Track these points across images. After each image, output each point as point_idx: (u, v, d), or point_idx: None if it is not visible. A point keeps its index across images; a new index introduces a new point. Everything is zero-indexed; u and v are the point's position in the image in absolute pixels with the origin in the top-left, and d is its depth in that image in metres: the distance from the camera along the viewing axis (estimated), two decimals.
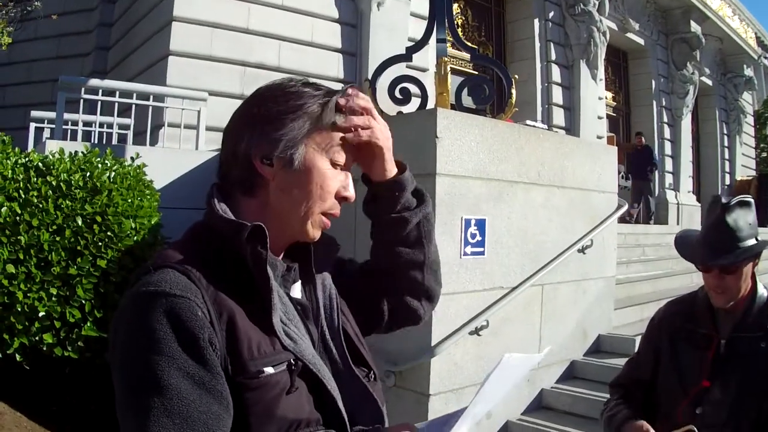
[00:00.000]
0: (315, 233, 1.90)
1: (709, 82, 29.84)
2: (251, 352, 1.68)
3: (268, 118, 1.81)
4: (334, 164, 1.84)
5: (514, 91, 8.52)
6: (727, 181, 31.82)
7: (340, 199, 1.88)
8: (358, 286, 2.15)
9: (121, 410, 1.64)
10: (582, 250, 8.53)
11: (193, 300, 1.62)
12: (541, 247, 7.88)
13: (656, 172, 23.05)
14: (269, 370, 1.70)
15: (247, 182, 1.84)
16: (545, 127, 15.13)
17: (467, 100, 8.52)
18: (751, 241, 3.10)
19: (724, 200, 3.20)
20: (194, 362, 1.60)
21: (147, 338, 1.59)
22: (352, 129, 1.88)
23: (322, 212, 1.86)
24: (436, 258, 2.28)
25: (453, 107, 8.12)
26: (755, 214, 3.22)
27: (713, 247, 3.12)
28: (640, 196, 21.62)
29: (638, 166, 21.65)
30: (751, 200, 3.25)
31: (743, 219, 3.13)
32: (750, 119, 35.94)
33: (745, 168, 34.72)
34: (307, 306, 1.94)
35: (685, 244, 3.38)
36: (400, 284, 2.18)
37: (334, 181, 1.85)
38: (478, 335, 7.06)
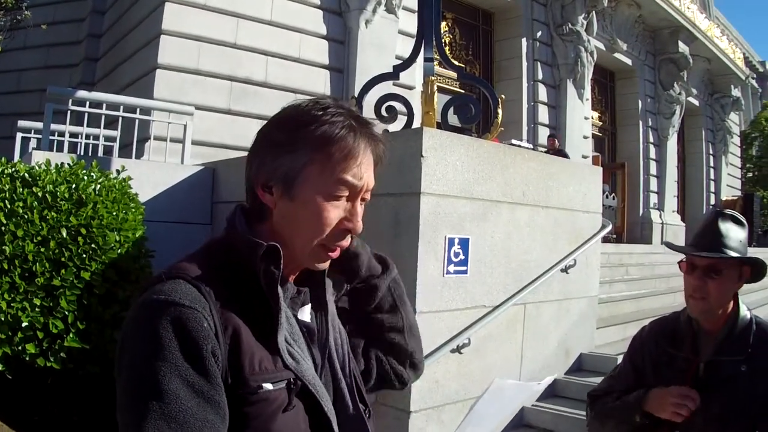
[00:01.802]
0: (316, 263, 1.91)
1: (696, 103, 30.03)
2: (252, 367, 1.72)
3: (271, 146, 1.84)
4: (334, 196, 1.83)
5: (500, 111, 8.57)
6: (713, 201, 32.03)
7: (343, 230, 1.87)
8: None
9: (121, 411, 1.68)
10: (565, 270, 8.56)
11: (201, 312, 1.67)
12: (525, 266, 7.89)
13: None
14: (268, 386, 1.73)
15: (257, 208, 1.88)
16: (531, 146, 15.21)
17: (453, 119, 8.54)
18: (737, 254, 3.10)
19: (720, 209, 3.26)
20: (195, 371, 1.64)
21: (152, 344, 1.64)
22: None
23: (321, 244, 1.86)
24: (414, 321, 2.31)
25: (439, 126, 8.14)
26: (747, 236, 3.23)
27: (701, 244, 3.14)
28: None
29: None
30: (745, 222, 3.26)
31: (735, 232, 3.14)
32: (736, 139, 36.23)
33: (731, 188, 34.97)
34: (313, 329, 1.97)
35: (676, 243, 3.42)
36: (383, 350, 2.22)
37: (333, 213, 1.84)
38: (460, 353, 7.06)
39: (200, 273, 1.77)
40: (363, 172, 1.86)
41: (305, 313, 1.98)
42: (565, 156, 18.46)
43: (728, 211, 3.24)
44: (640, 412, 3.20)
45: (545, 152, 18.81)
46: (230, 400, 1.70)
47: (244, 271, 1.80)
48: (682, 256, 3.30)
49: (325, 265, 1.94)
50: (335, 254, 1.92)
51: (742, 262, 3.13)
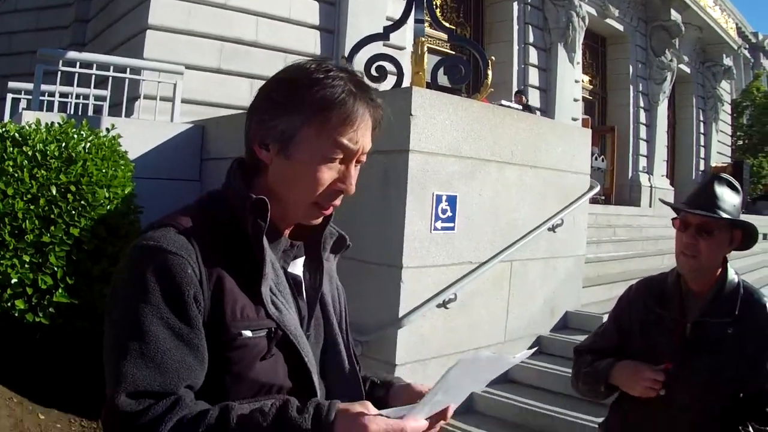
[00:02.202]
0: (308, 220, 1.98)
1: (688, 70, 29.94)
2: (234, 314, 1.78)
3: (272, 105, 1.88)
4: (329, 159, 1.87)
5: (490, 72, 8.59)
6: (702, 167, 31.96)
7: (336, 191, 1.92)
8: None
9: (105, 350, 1.76)
10: (553, 229, 8.62)
11: (186, 258, 1.74)
12: (512, 224, 7.95)
13: None
14: (248, 333, 1.79)
15: (254, 163, 1.94)
16: (520, 108, 15.20)
17: (443, 80, 8.55)
18: (730, 216, 3.12)
19: (717, 174, 3.31)
20: (176, 315, 1.72)
21: (137, 287, 1.72)
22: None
23: (313, 202, 1.91)
24: None
25: (429, 86, 8.14)
26: (741, 202, 3.24)
27: (696, 203, 3.17)
28: None
29: None
30: (740, 188, 3.28)
31: (729, 196, 3.17)
32: (727, 107, 36.12)
33: (721, 155, 34.90)
34: (300, 282, 2.03)
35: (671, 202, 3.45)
36: None
37: (327, 175, 1.88)
38: (446, 308, 7.14)
39: (191, 222, 1.84)
40: (359, 136, 1.89)
41: (297, 266, 2.04)
42: (532, 112, 17.97)
43: (725, 176, 3.28)
44: (605, 383, 3.28)
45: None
46: (212, 346, 1.77)
47: (235, 222, 1.86)
48: (670, 219, 3.34)
49: (318, 221, 2.00)
50: (328, 212, 1.98)
51: (734, 225, 3.17)
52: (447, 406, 1.86)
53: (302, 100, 1.83)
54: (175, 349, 1.70)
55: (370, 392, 2.21)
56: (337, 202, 1.96)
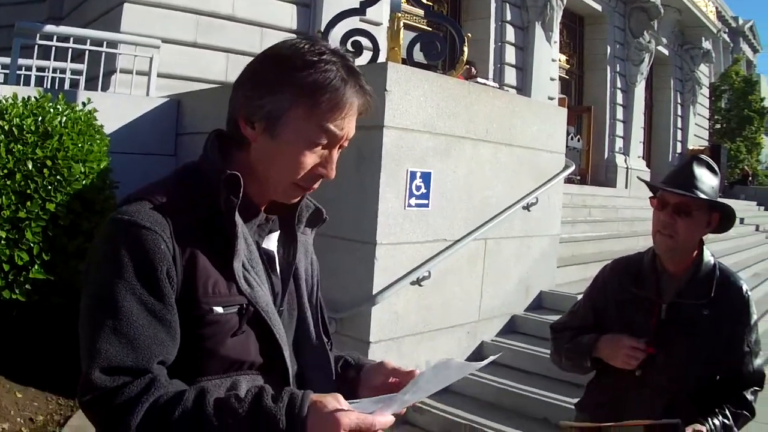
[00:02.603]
0: (286, 198, 1.97)
1: (666, 52, 29.97)
2: (206, 290, 1.78)
3: (261, 82, 1.86)
4: (314, 143, 1.86)
5: (466, 49, 8.57)
6: (679, 149, 32.06)
7: (316, 175, 1.92)
8: None
9: (80, 325, 1.77)
10: (527, 208, 8.63)
11: (159, 234, 1.73)
12: (486, 202, 7.95)
13: None
14: (219, 309, 1.79)
15: (237, 137, 1.91)
16: (496, 85, 15.17)
17: (419, 56, 8.53)
18: (708, 198, 3.11)
19: (697, 155, 3.31)
20: (149, 291, 1.72)
21: (111, 263, 1.72)
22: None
23: (293, 183, 1.91)
24: None
25: (404, 62, 8.12)
26: (719, 184, 3.25)
27: (675, 182, 3.17)
28: None
29: None
30: (718, 171, 3.29)
31: (708, 178, 3.17)
32: (705, 91, 36.26)
33: (698, 138, 35.03)
34: (273, 257, 2.02)
35: (642, 186, 3.46)
36: None
37: (310, 158, 1.87)
38: (420, 286, 7.14)
39: (166, 196, 1.82)
40: (346, 123, 1.89)
41: (271, 241, 2.03)
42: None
43: (704, 157, 3.28)
44: (590, 357, 3.28)
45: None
46: (184, 321, 1.77)
47: (209, 196, 1.85)
48: (648, 198, 3.34)
49: (296, 200, 2.00)
50: (307, 192, 1.98)
51: (713, 206, 3.17)
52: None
53: (293, 82, 1.82)
54: (148, 325, 1.70)
55: (344, 371, 2.22)
56: (316, 185, 1.95)
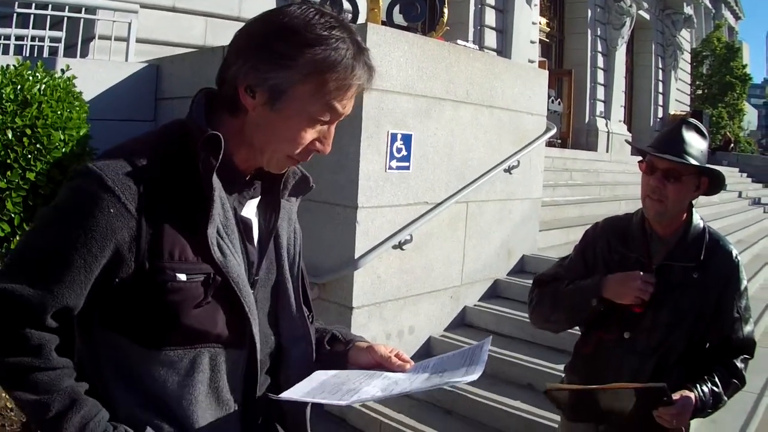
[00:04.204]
0: (277, 169, 1.94)
1: (647, 17, 29.88)
2: (172, 255, 1.75)
3: (268, 54, 1.80)
4: (317, 120, 1.84)
5: (446, 11, 8.52)
6: (660, 114, 32.09)
7: (312, 150, 1.89)
8: None
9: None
10: (508, 170, 8.61)
11: (119, 195, 1.70)
12: (467, 164, 7.91)
13: None
14: (182, 277, 1.76)
15: (231, 102, 1.86)
16: (476, 48, 15.10)
17: (399, 18, 8.46)
18: (698, 163, 3.12)
19: (685, 119, 3.29)
20: (80, 245, 1.70)
21: (62, 204, 1.75)
22: None
23: (287, 156, 1.88)
24: None
25: (384, 24, 8.06)
26: (707, 147, 3.25)
27: (664, 147, 3.16)
28: None
29: None
30: (707, 134, 3.28)
31: (697, 142, 3.16)
32: (687, 56, 36.26)
33: (680, 103, 35.07)
34: (250, 226, 1.99)
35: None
36: None
37: (310, 134, 1.85)
38: (402, 249, 7.12)
39: (145, 155, 1.79)
40: (349, 101, 1.87)
41: (250, 208, 2.00)
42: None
43: (692, 121, 3.29)
44: (598, 296, 3.24)
45: None
46: (146, 288, 1.75)
47: (189, 156, 1.81)
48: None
49: (279, 170, 1.97)
50: (296, 164, 1.97)
51: (702, 171, 3.17)
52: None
53: (304, 58, 1.77)
54: (65, 273, 1.71)
55: (332, 345, 2.22)
56: (309, 158, 1.93)
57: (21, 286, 1.68)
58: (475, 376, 1.91)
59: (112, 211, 1.69)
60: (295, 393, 1.87)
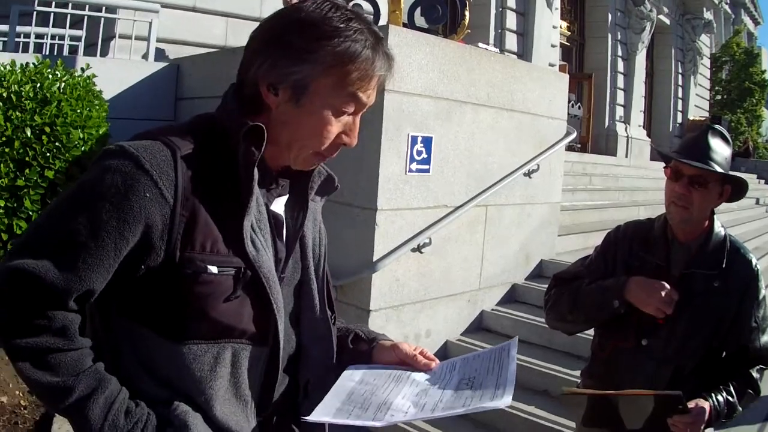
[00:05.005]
0: (305, 166, 1.94)
1: (667, 21, 29.80)
2: (204, 246, 1.74)
3: (287, 50, 1.80)
4: (341, 111, 1.84)
5: (467, 13, 8.53)
6: (680, 120, 31.99)
7: (339, 143, 1.89)
8: None
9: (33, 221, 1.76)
10: (528, 174, 8.57)
11: (156, 180, 1.69)
12: (487, 168, 7.88)
13: None
14: (213, 269, 1.74)
15: (254, 102, 1.85)
16: (497, 51, 15.09)
17: (420, 20, 8.48)
18: (723, 170, 3.10)
19: (710, 125, 3.29)
20: (113, 227, 1.67)
21: (93, 182, 1.70)
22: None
23: (314, 152, 1.87)
24: None
25: (406, 26, 8.06)
26: (731, 154, 3.24)
27: (690, 153, 3.14)
28: None
29: None
30: (730, 140, 3.27)
31: (722, 149, 3.15)
32: (706, 61, 36.14)
33: (699, 108, 34.96)
34: (281, 222, 1.98)
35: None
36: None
37: (336, 127, 1.85)
38: (421, 252, 7.09)
39: (184, 139, 1.79)
40: (372, 90, 1.87)
41: (279, 205, 1.99)
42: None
43: (718, 127, 3.28)
44: (621, 298, 3.21)
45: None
46: (176, 278, 1.73)
47: (225, 148, 1.80)
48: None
49: (313, 167, 1.98)
50: (324, 160, 1.96)
51: (727, 179, 3.17)
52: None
53: (324, 51, 1.78)
54: (94, 256, 1.67)
55: (355, 345, 2.20)
56: (336, 154, 1.93)
57: (45, 264, 1.65)
58: (507, 400, 1.84)
59: (148, 195, 1.67)
60: (325, 412, 1.84)
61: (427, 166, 7.02)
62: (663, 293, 3.07)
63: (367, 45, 1.80)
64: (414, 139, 6.83)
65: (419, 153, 6.88)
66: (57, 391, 1.68)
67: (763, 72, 42.63)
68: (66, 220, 1.69)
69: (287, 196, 2.01)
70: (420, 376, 2.00)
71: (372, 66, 1.81)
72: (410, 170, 6.84)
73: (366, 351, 2.15)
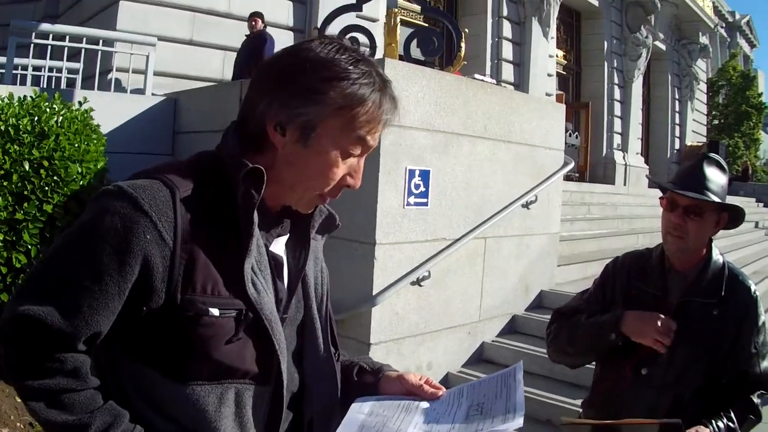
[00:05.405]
0: (305, 208, 1.92)
1: (663, 47, 29.95)
2: (204, 289, 1.71)
3: (295, 89, 1.78)
4: (349, 153, 1.83)
5: (463, 45, 8.54)
6: (677, 146, 32.06)
7: (343, 185, 1.88)
8: None
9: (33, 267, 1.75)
10: (526, 206, 8.58)
11: (155, 222, 1.67)
12: (485, 200, 7.89)
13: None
14: (215, 311, 1.72)
15: (257, 139, 1.84)
16: (494, 81, 15.11)
17: (416, 52, 8.52)
18: (719, 199, 3.10)
19: (706, 153, 3.28)
20: (114, 270, 1.66)
21: (92, 224, 1.68)
22: None
23: (318, 194, 1.87)
24: None
25: (401, 58, 8.08)
26: (727, 181, 3.23)
27: (685, 183, 3.14)
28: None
29: (246, 59, 12.75)
30: (727, 168, 3.27)
31: (718, 177, 3.15)
32: (703, 86, 36.20)
33: (696, 134, 35.02)
34: (281, 263, 1.96)
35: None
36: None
37: (342, 169, 1.84)
38: (420, 286, 7.09)
39: (183, 178, 1.76)
40: (379, 133, 1.87)
41: (279, 244, 1.97)
42: (263, 44, 12.83)
43: (713, 156, 3.27)
44: (617, 331, 3.19)
45: (246, 36, 13.36)
46: (177, 321, 1.71)
47: (225, 188, 1.79)
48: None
49: (309, 210, 1.95)
50: (326, 202, 1.96)
51: (723, 208, 3.16)
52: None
53: (333, 92, 1.76)
54: (98, 299, 1.66)
55: (360, 378, 2.18)
56: (339, 195, 1.92)
57: (49, 309, 1.63)
58: (519, 422, 1.83)
59: (148, 237, 1.66)
60: None
61: (425, 200, 7.03)
62: (659, 323, 3.06)
63: (375, 88, 1.79)
64: (411, 173, 6.84)
65: (417, 186, 6.88)
66: (73, 429, 1.67)
67: (760, 95, 42.89)
68: (67, 265, 1.67)
69: (287, 235, 1.99)
70: (429, 405, 1.99)
71: (380, 110, 1.80)
72: (408, 204, 6.84)
73: (372, 383, 2.14)
